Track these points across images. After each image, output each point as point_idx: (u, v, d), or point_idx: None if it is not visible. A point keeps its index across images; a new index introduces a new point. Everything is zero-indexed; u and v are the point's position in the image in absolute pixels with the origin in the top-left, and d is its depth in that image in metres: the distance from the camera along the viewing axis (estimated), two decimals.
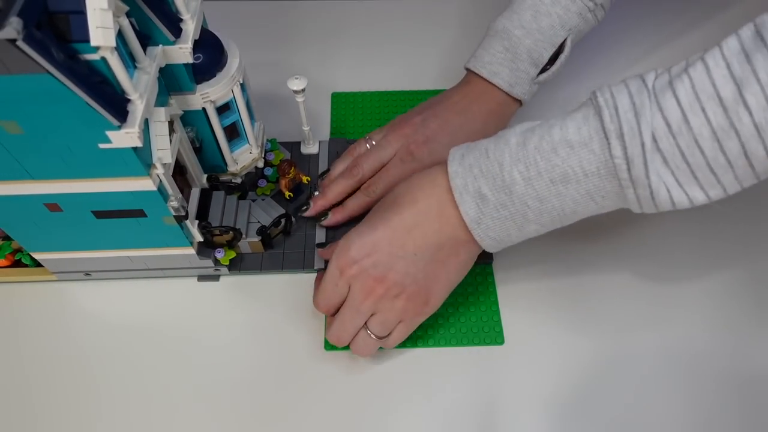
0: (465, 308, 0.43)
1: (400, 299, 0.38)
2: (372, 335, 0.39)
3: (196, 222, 0.41)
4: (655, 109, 0.31)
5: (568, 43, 0.46)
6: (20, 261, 0.44)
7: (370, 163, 0.46)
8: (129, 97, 0.32)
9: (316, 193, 0.47)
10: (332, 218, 0.45)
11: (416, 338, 0.42)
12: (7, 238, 0.45)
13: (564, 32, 0.45)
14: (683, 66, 0.32)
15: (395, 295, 0.38)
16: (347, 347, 0.41)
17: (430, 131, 0.45)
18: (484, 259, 0.45)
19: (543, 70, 0.46)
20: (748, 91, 0.29)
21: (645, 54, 0.58)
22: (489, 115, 0.46)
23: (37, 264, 0.43)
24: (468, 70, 0.47)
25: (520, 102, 0.47)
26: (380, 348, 0.40)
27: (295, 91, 0.45)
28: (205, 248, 0.43)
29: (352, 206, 0.45)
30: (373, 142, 0.47)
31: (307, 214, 0.46)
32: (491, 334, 0.42)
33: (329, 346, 0.42)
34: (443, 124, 0.46)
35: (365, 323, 0.39)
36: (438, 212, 0.37)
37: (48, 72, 0.28)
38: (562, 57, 0.46)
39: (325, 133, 0.54)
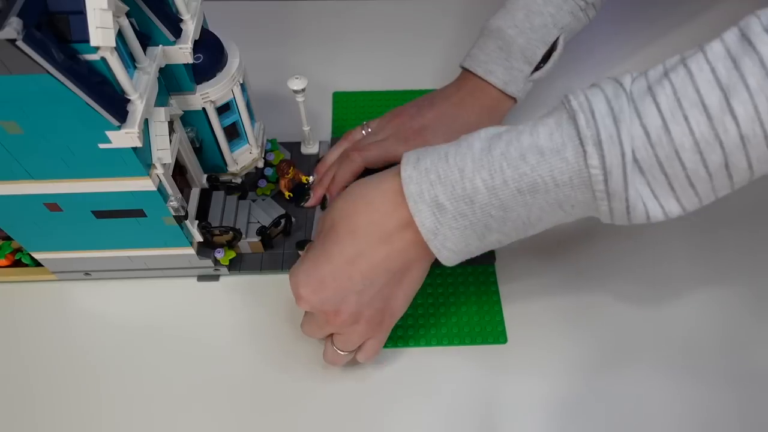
0: (468, 307, 0.43)
1: (359, 324, 0.36)
2: (338, 351, 0.38)
3: (196, 222, 0.41)
4: (633, 116, 0.28)
5: (561, 42, 0.47)
6: (20, 261, 0.44)
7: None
8: (129, 98, 0.32)
9: (311, 178, 0.48)
10: (316, 195, 0.47)
11: (418, 337, 0.42)
12: (7, 237, 0.45)
13: (556, 31, 0.46)
14: (662, 70, 0.29)
15: (353, 322, 0.36)
16: None
17: (425, 120, 0.46)
18: (487, 259, 0.45)
19: (537, 68, 0.47)
20: (736, 99, 0.27)
21: (636, 50, 0.59)
22: (483, 109, 0.47)
23: (37, 264, 0.44)
24: (463, 68, 0.48)
25: (514, 100, 0.48)
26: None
27: (296, 91, 0.45)
28: (205, 248, 0.43)
29: (342, 177, 0.46)
30: (369, 129, 0.49)
31: (308, 204, 0.47)
32: (494, 333, 0.42)
33: None
34: (439, 115, 0.47)
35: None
36: (381, 236, 0.34)
37: (48, 72, 0.28)
38: (555, 55, 0.47)
39: (326, 133, 0.54)
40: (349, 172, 0.46)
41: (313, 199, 0.47)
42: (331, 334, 0.38)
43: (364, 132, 0.49)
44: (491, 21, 0.47)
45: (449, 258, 0.35)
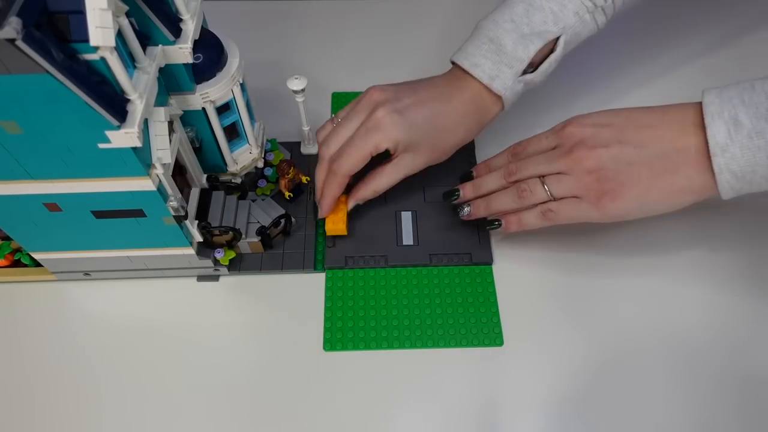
0: (464, 309, 0.43)
1: (592, 175, 0.37)
2: (546, 189, 0.39)
3: (196, 222, 0.41)
4: None
5: (561, 43, 0.44)
6: (20, 261, 0.44)
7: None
8: (128, 97, 0.32)
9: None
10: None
11: (414, 339, 0.42)
12: (6, 237, 0.45)
13: (556, 29, 0.43)
14: None
15: (590, 169, 0.37)
16: (344, 347, 0.41)
17: (401, 105, 0.42)
18: (484, 260, 0.45)
19: (532, 71, 0.44)
20: None
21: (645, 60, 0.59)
22: (468, 109, 0.43)
23: (37, 264, 0.44)
24: (452, 62, 0.45)
25: (501, 101, 0.44)
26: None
27: (295, 91, 0.45)
28: (205, 248, 0.43)
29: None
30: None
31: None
32: (490, 335, 0.42)
33: (328, 346, 0.42)
34: (419, 104, 0.42)
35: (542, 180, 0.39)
36: (680, 128, 0.35)
37: (47, 72, 0.28)
38: (551, 57, 0.44)
39: None
40: (336, 188, 0.43)
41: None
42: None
43: (333, 124, 0.45)
44: (488, 14, 0.44)
45: (727, 184, 0.34)
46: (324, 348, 0.42)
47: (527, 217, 0.41)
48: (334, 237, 0.46)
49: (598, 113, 0.39)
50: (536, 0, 0.43)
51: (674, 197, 0.37)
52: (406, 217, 0.47)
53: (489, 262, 0.45)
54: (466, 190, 0.44)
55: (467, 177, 0.46)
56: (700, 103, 0.35)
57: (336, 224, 0.45)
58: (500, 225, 0.42)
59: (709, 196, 0.36)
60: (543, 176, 0.40)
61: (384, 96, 0.43)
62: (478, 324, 0.43)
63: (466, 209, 0.44)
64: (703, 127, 0.34)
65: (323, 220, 0.45)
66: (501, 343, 0.42)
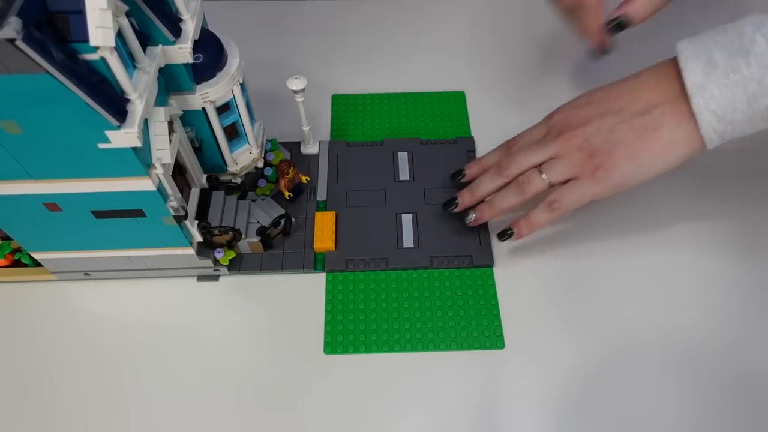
0: (465, 312, 0.43)
1: (582, 152, 0.38)
2: (543, 176, 0.39)
3: (196, 222, 0.41)
4: None
5: None
6: (20, 260, 0.44)
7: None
8: (128, 97, 0.32)
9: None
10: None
11: (416, 342, 0.42)
12: (6, 237, 0.44)
13: None
14: None
15: (579, 146, 0.38)
16: (345, 350, 0.41)
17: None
18: (485, 263, 0.45)
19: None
20: None
21: None
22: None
23: (37, 264, 0.43)
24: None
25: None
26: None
27: (295, 91, 0.45)
28: (205, 248, 0.43)
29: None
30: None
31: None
32: (491, 338, 0.42)
33: (329, 349, 0.42)
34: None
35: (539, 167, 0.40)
36: (656, 84, 0.36)
37: (47, 72, 0.27)
38: None
39: (325, 134, 0.54)
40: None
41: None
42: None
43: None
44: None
45: (709, 126, 0.33)
46: (324, 351, 0.42)
47: (535, 215, 0.41)
48: (335, 239, 0.46)
49: (579, 96, 0.41)
50: None
51: (667, 151, 0.36)
52: (407, 219, 0.47)
53: (490, 264, 0.45)
54: (465, 198, 0.44)
55: (458, 174, 0.46)
56: (674, 58, 0.35)
57: (324, 242, 0.45)
58: (513, 233, 0.42)
59: (700, 148, 0.36)
60: (538, 165, 0.40)
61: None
62: (479, 327, 0.42)
63: (472, 215, 0.43)
64: (679, 79, 0.34)
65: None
66: (502, 346, 0.42)
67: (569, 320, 0.43)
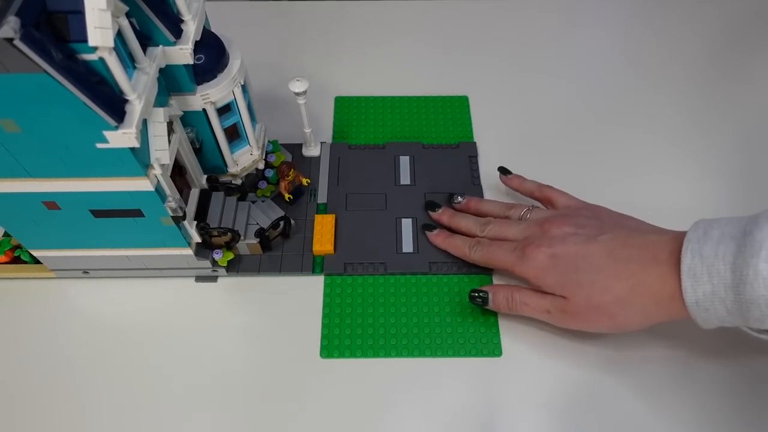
0: (463, 319, 0.43)
1: (541, 250, 0.39)
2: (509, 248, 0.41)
3: (195, 223, 0.41)
4: None
5: None
6: (19, 258, 0.44)
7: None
8: (127, 98, 0.32)
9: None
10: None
11: (413, 348, 0.42)
12: (6, 234, 0.45)
13: None
14: None
15: (548, 244, 0.39)
16: (341, 355, 0.41)
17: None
18: (484, 270, 0.45)
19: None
20: None
21: None
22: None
23: (36, 261, 0.44)
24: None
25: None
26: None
27: (297, 93, 0.44)
28: (203, 249, 0.43)
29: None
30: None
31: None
32: (489, 345, 0.42)
33: (325, 352, 0.42)
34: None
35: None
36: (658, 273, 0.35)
37: (45, 72, 0.27)
38: None
39: (327, 136, 0.54)
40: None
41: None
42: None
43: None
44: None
45: (693, 289, 0.33)
46: (321, 355, 0.41)
47: (469, 246, 0.43)
48: (334, 242, 0.46)
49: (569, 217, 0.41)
50: None
51: (637, 307, 0.36)
52: (407, 224, 0.47)
53: (489, 272, 0.45)
54: (444, 215, 0.46)
55: (433, 207, 0.47)
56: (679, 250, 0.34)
57: (323, 245, 0.45)
58: (486, 296, 0.42)
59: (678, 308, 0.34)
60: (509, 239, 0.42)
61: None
62: (476, 334, 0.42)
63: (435, 231, 0.46)
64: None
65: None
66: (500, 354, 0.41)
67: (567, 329, 0.42)
